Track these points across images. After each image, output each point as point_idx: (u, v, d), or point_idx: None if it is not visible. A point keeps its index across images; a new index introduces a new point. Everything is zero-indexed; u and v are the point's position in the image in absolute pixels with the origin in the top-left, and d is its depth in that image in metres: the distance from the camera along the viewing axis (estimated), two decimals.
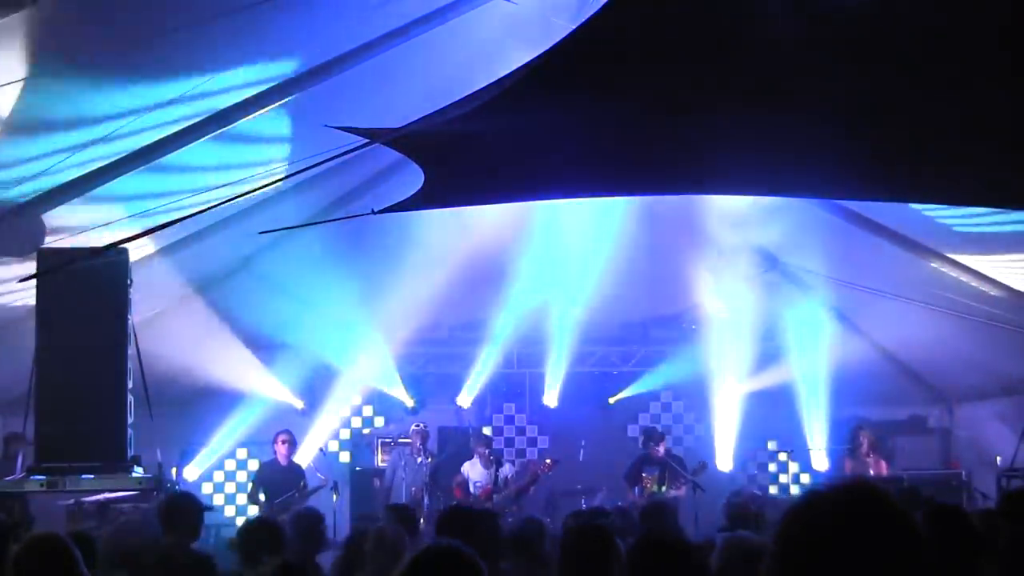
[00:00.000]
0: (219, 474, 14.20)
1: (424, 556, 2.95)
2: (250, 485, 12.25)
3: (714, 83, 5.09)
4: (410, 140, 6.56)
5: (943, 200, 7.87)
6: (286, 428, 12.36)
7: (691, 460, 13.27)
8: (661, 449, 12.55)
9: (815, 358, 13.17)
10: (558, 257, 12.41)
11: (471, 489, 12.25)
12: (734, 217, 12.66)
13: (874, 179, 6.65)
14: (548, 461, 12.46)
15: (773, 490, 14.37)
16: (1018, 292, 10.69)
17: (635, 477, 12.34)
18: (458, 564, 2.90)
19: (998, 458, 11.55)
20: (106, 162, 8.12)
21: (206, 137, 8.35)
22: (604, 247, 12.15)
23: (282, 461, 11.97)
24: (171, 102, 7.57)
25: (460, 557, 2.91)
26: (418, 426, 12.88)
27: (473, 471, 12.37)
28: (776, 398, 13.57)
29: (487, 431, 14.02)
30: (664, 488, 11.95)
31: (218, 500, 13.79)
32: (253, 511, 12.07)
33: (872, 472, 12.05)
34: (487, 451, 12.44)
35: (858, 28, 4.56)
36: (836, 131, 5.47)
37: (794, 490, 14.36)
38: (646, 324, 14.44)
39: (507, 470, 12.49)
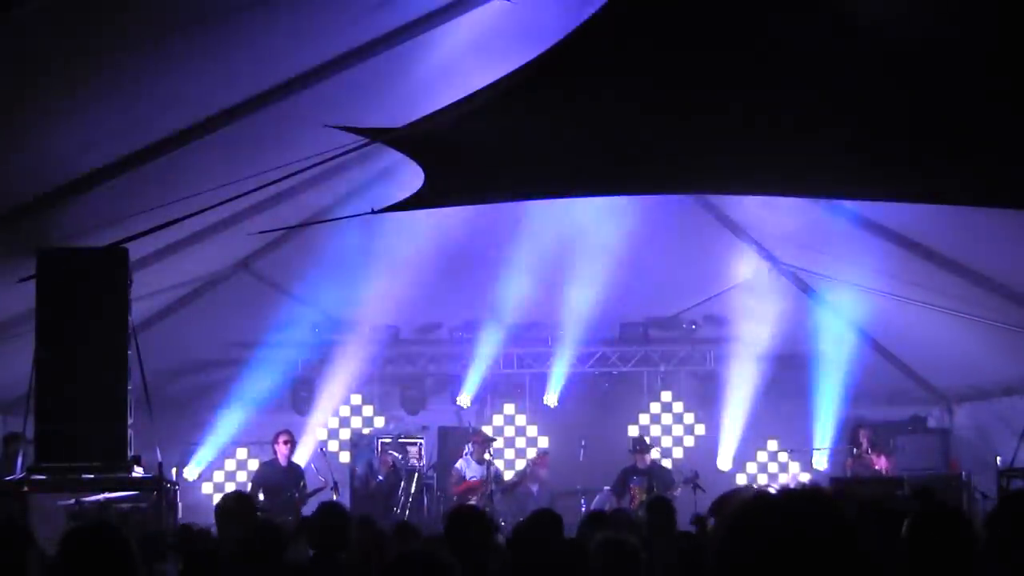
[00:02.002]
0: (219, 474, 14.19)
1: (399, 563, 2.93)
2: (250, 485, 12.25)
3: (716, 81, 5.08)
4: (410, 140, 6.56)
5: (944, 200, 7.86)
6: (286, 428, 12.36)
7: (690, 462, 13.29)
8: (647, 459, 12.59)
9: (816, 357, 13.15)
10: (559, 257, 12.39)
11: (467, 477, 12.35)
12: (734, 215, 12.70)
13: (876, 179, 6.65)
14: (536, 454, 12.49)
15: (773, 490, 14.36)
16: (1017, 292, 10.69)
17: (622, 488, 12.38)
18: (432, 569, 2.88)
19: (998, 458, 11.53)
20: (106, 162, 8.12)
21: (206, 137, 8.36)
22: (604, 247, 12.16)
23: (282, 461, 11.97)
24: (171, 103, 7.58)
25: (434, 561, 2.90)
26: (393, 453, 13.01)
27: (469, 468, 12.46)
28: (777, 398, 13.56)
29: (488, 431, 14.04)
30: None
31: (218, 500, 13.77)
32: None
33: (876, 468, 12.04)
34: (484, 448, 12.54)
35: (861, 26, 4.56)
36: (842, 130, 5.47)
37: None
38: (646, 324, 14.43)
39: (496, 468, 12.63)
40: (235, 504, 6.67)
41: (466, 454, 12.76)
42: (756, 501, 1.92)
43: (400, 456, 13.08)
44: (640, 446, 12.77)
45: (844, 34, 4.56)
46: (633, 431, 14.10)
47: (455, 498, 12.26)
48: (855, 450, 12.33)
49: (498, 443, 14.05)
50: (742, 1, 4.61)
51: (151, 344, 10.38)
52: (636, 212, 11.46)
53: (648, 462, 12.59)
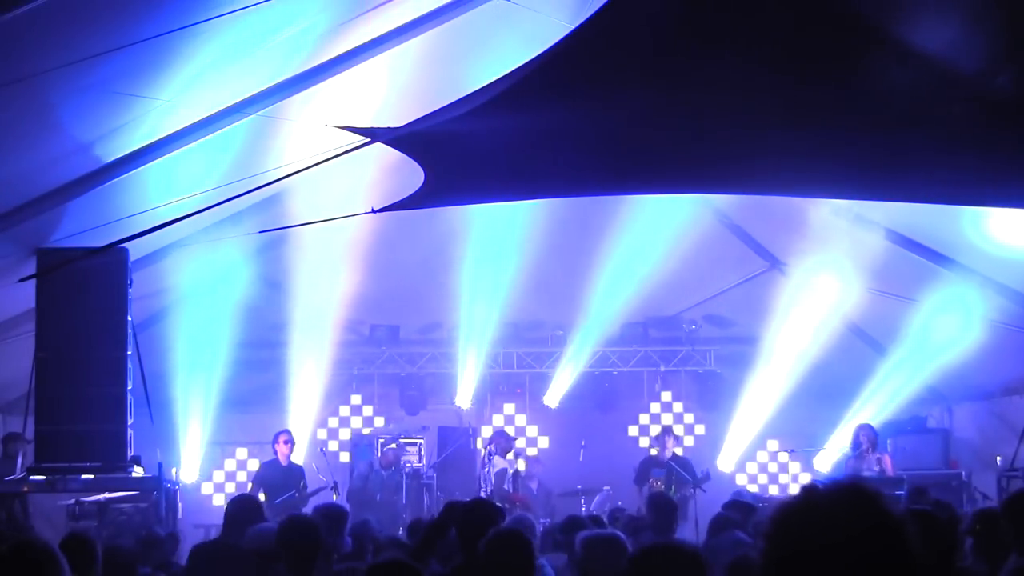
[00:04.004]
0: (219, 474, 14.20)
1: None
2: (250, 485, 12.25)
3: (716, 81, 5.08)
4: (410, 139, 6.56)
5: (945, 200, 7.86)
6: (286, 428, 12.36)
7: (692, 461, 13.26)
8: (668, 448, 12.47)
9: (816, 356, 13.14)
10: (558, 256, 12.39)
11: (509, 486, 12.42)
12: (735, 215, 12.70)
13: (874, 179, 6.64)
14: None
15: (773, 490, 14.37)
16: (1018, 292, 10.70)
17: (643, 478, 12.35)
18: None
19: (998, 458, 11.53)
20: (106, 162, 8.12)
21: (205, 137, 8.36)
22: (603, 246, 12.18)
23: (282, 461, 11.96)
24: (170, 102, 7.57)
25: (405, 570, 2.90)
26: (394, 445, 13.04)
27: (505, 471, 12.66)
28: (777, 398, 13.55)
29: (488, 431, 14.05)
30: (673, 491, 11.91)
31: (218, 500, 13.79)
32: None
33: (877, 469, 12.02)
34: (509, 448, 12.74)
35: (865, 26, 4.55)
36: (845, 130, 5.46)
37: (794, 490, 14.33)
38: (646, 324, 14.43)
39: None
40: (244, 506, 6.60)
41: (492, 454, 12.78)
42: (802, 498, 1.92)
43: (397, 447, 13.07)
44: (667, 432, 12.64)
45: (858, 34, 4.55)
46: (633, 431, 14.09)
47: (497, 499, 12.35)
48: (855, 450, 12.31)
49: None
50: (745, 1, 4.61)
51: (151, 344, 10.39)
52: (636, 212, 11.48)
53: (669, 454, 12.49)
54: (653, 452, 12.92)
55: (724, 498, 10.65)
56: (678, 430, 14.76)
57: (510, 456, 12.64)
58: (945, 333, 11.52)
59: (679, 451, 12.67)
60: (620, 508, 10.97)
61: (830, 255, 11.55)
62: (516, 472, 12.69)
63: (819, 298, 12.68)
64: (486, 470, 12.46)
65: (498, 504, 11.66)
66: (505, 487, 12.36)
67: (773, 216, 11.64)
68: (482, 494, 12.06)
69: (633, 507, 11.44)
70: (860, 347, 13.47)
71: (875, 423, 12.60)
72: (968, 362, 12.59)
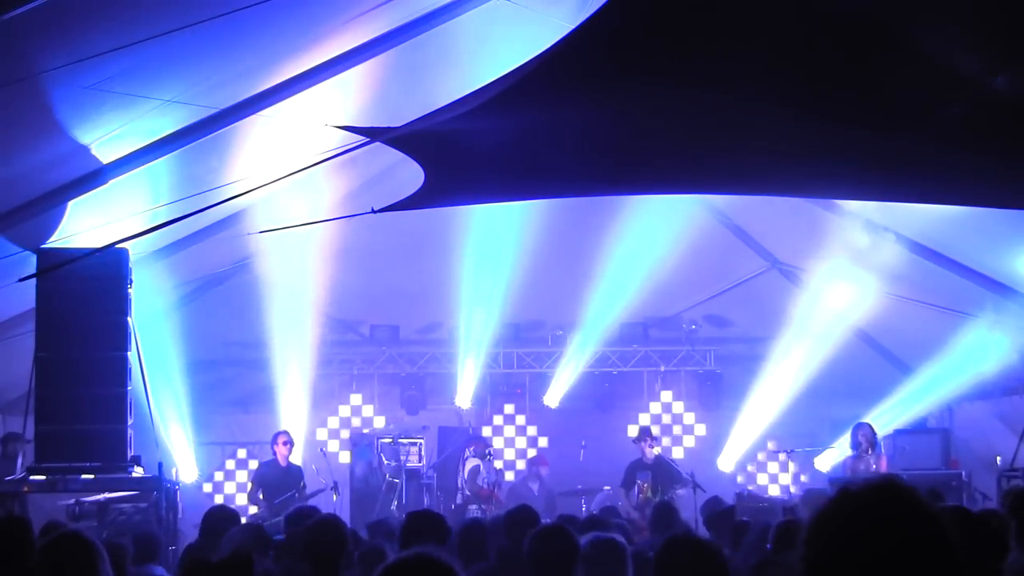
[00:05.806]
0: (219, 474, 14.20)
1: (397, 565, 2.87)
2: (249, 485, 12.25)
3: (717, 80, 5.08)
4: (410, 139, 6.56)
5: (944, 200, 7.86)
6: (284, 429, 12.35)
7: (690, 462, 13.24)
8: (651, 450, 12.46)
9: (814, 356, 13.14)
10: (559, 256, 12.40)
11: (482, 482, 12.46)
12: (736, 215, 12.70)
13: (873, 180, 6.64)
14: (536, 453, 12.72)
15: (773, 490, 14.36)
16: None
17: (630, 482, 12.34)
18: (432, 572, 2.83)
19: (998, 458, 11.52)
20: (105, 161, 8.12)
21: (205, 137, 8.36)
22: (603, 246, 12.18)
23: (281, 462, 11.96)
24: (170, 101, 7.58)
25: (434, 565, 2.85)
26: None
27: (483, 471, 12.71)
28: (779, 398, 13.55)
29: (488, 432, 14.09)
30: (660, 492, 11.90)
31: (218, 500, 13.78)
32: (252, 511, 12.08)
33: (874, 468, 12.02)
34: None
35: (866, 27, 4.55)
36: (845, 130, 5.47)
37: (794, 491, 14.32)
38: (646, 324, 14.43)
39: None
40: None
41: (470, 454, 12.82)
42: (841, 499, 1.92)
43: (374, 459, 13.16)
44: (643, 436, 12.64)
45: (859, 34, 4.55)
46: (633, 432, 14.05)
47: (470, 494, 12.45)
48: (855, 450, 12.30)
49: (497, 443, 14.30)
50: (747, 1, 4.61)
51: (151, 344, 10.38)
52: (636, 212, 11.48)
53: (654, 455, 12.47)
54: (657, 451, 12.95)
55: (725, 498, 10.70)
56: (677, 430, 14.78)
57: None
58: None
59: (657, 450, 12.64)
60: (613, 508, 10.95)
61: (842, 260, 11.55)
62: (497, 471, 12.93)
63: (827, 301, 12.68)
64: (466, 469, 12.71)
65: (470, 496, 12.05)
66: (478, 482, 12.53)
67: (773, 216, 11.63)
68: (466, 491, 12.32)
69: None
70: (862, 349, 13.47)
71: (888, 429, 12.62)
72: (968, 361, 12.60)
